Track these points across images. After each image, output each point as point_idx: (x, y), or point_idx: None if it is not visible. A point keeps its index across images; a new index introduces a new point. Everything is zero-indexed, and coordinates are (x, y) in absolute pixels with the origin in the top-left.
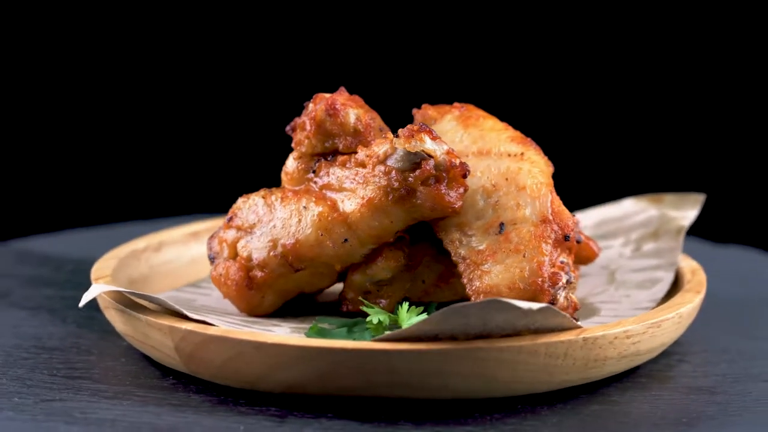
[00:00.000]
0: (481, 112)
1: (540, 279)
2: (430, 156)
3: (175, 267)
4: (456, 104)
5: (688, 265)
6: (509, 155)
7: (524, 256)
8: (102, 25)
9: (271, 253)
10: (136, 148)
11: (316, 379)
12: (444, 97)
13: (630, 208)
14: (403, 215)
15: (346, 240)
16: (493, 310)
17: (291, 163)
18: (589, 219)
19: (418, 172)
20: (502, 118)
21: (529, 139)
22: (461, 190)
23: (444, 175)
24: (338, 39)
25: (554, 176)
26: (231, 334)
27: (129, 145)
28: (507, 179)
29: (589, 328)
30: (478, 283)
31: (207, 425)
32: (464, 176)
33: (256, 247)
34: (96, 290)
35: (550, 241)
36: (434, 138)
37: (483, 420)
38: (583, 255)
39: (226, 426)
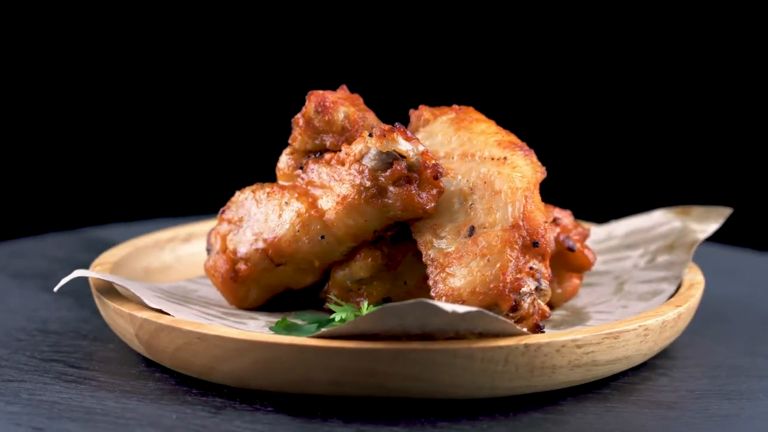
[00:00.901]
0: (476, 115)
1: (501, 284)
2: (403, 156)
3: (202, 258)
4: (454, 106)
5: (692, 278)
6: (492, 159)
7: (488, 261)
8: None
9: (254, 247)
10: (175, 148)
11: (254, 373)
12: (459, 98)
13: (658, 220)
14: (377, 214)
15: (322, 237)
16: (421, 311)
17: (283, 159)
18: (620, 229)
19: (389, 171)
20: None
21: (520, 143)
22: (434, 191)
23: (415, 175)
24: (347, 38)
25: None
26: (178, 324)
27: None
28: (485, 183)
29: (535, 335)
30: (441, 286)
31: (141, 411)
32: (436, 178)
33: (241, 241)
34: (73, 275)
35: (516, 246)
36: (408, 138)
37: (415, 422)
38: (576, 263)
39: (159, 414)
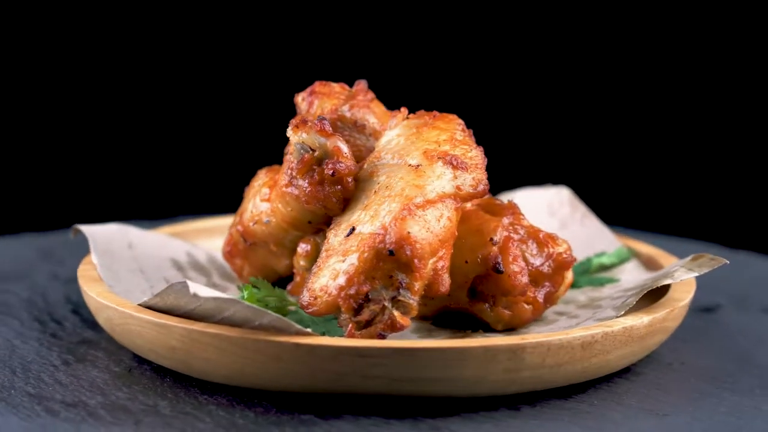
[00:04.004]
0: (442, 123)
1: (345, 286)
2: (314, 150)
3: None
4: (433, 112)
5: (614, 321)
6: (408, 165)
7: (343, 262)
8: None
9: (235, 225)
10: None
11: (111, 332)
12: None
13: (679, 262)
14: (295, 204)
15: (267, 221)
16: (178, 290)
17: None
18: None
19: (297, 162)
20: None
21: (452, 156)
22: (338, 188)
23: (315, 169)
24: (373, 42)
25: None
26: (84, 283)
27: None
28: (387, 187)
29: (318, 337)
30: (309, 282)
31: (19, 353)
32: (333, 174)
33: (237, 219)
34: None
35: (372, 252)
36: (323, 133)
37: (215, 399)
38: (504, 286)
39: (32, 359)
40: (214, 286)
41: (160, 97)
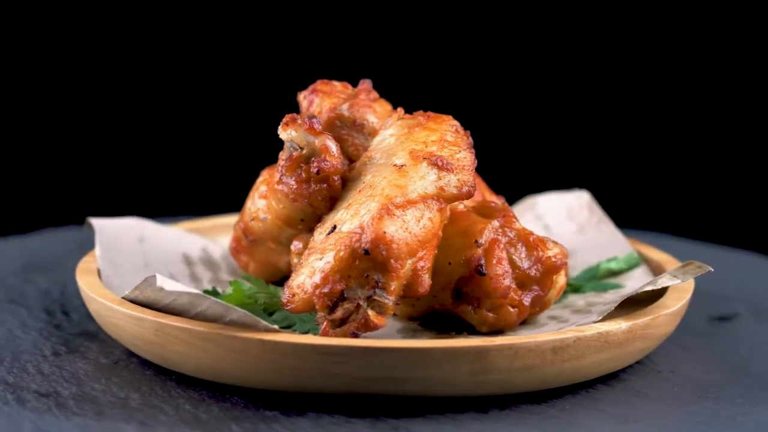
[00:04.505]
0: (433, 123)
1: (320, 284)
2: (302, 147)
3: None
4: (428, 112)
5: (588, 326)
6: (394, 165)
7: (320, 259)
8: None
9: (240, 223)
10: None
11: (103, 326)
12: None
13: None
14: (286, 202)
15: (263, 218)
16: (149, 283)
17: None
18: None
19: (286, 160)
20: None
21: (437, 157)
22: (324, 186)
23: (302, 167)
24: (385, 45)
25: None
26: (80, 275)
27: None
28: (371, 186)
29: (275, 333)
30: (290, 279)
31: (16, 343)
32: (318, 173)
33: (242, 216)
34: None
35: (347, 250)
36: (312, 131)
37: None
38: (486, 288)
39: (16, 346)
40: (218, 281)
41: (196, 103)
